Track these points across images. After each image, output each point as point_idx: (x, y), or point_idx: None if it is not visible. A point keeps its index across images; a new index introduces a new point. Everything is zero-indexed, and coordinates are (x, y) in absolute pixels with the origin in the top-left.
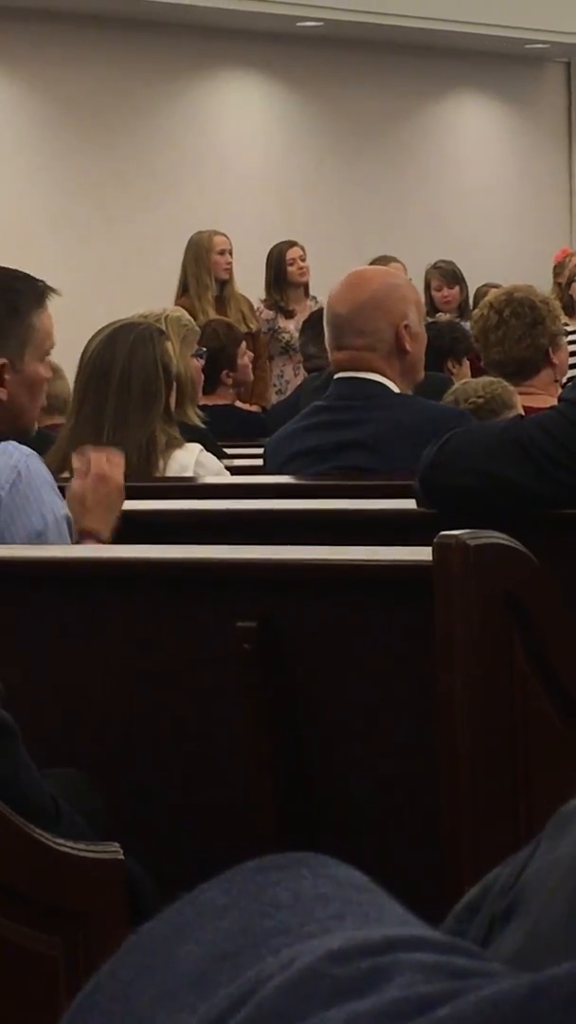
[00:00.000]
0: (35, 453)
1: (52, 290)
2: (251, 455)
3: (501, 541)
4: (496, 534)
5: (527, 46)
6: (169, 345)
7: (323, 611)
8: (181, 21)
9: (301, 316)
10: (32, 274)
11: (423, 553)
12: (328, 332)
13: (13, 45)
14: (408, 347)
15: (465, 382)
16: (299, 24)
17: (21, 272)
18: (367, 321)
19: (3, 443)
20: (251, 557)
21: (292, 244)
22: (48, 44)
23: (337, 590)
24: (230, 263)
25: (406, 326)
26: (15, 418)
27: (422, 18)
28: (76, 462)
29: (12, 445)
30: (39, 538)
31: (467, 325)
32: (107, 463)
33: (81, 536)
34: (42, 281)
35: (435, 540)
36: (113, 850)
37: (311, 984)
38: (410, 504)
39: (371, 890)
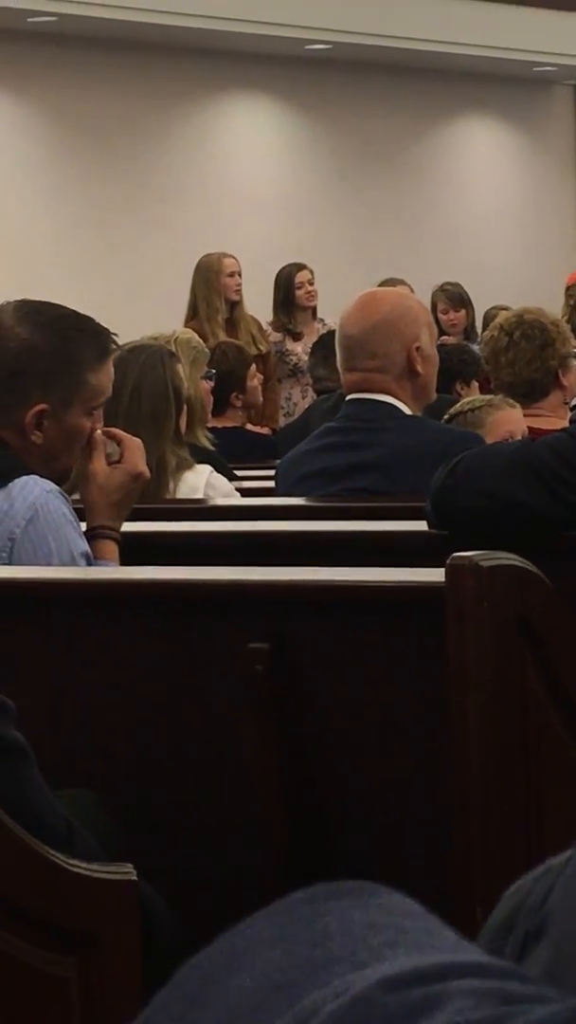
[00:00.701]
0: (57, 488)
1: (115, 343)
2: (261, 476)
3: (514, 562)
4: (509, 555)
5: (535, 69)
6: (180, 367)
7: (335, 632)
8: (189, 44)
9: (309, 339)
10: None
11: (436, 574)
12: (340, 353)
13: (22, 68)
14: (419, 369)
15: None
16: (307, 47)
17: (90, 321)
18: (379, 343)
19: (25, 477)
20: (263, 578)
21: (301, 267)
22: (56, 67)
23: (349, 611)
24: (239, 285)
25: (418, 348)
26: (48, 463)
27: (430, 41)
28: (101, 445)
29: (33, 480)
30: None
31: (475, 348)
32: (139, 456)
33: (95, 533)
34: (109, 334)
35: (448, 561)
36: (126, 871)
37: (364, 1012)
38: (421, 526)
39: (423, 916)
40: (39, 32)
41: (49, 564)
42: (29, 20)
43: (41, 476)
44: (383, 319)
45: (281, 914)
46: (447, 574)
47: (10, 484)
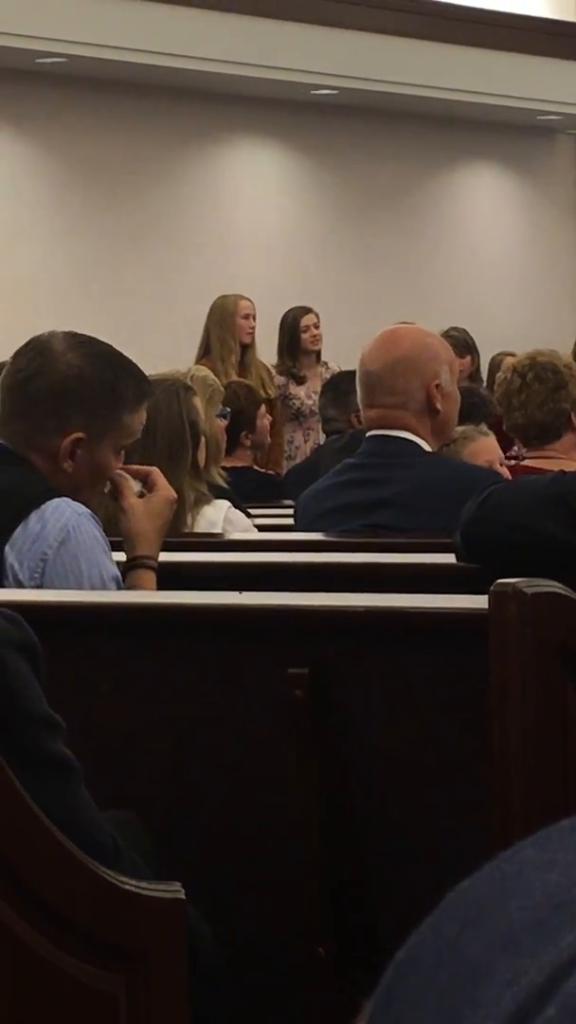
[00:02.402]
0: (88, 512)
1: (152, 391)
2: (274, 515)
3: (557, 590)
4: (552, 583)
5: (539, 117)
6: (196, 400)
7: (376, 658)
8: (196, 87)
9: (312, 383)
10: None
11: (478, 601)
12: (360, 390)
13: (30, 109)
14: (439, 407)
15: None
16: (313, 92)
17: (133, 363)
18: (398, 379)
19: (57, 500)
20: (304, 604)
21: (307, 311)
22: (64, 109)
23: (390, 637)
24: (253, 328)
25: (437, 385)
26: (71, 492)
27: (435, 88)
28: (127, 480)
29: (65, 502)
30: None
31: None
32: (166, 482)
33: (137, 563)
34: (147, 380)
35: (492, 588)
36: (175, 889)
37: None
38: (446, 559)
39: None
40: (48, 72)
41: (80, 586)
42: (38, 61)
43: None
44: (403, 356)
45: (548, 841)
46: (491, 600)
47: (43, 505)
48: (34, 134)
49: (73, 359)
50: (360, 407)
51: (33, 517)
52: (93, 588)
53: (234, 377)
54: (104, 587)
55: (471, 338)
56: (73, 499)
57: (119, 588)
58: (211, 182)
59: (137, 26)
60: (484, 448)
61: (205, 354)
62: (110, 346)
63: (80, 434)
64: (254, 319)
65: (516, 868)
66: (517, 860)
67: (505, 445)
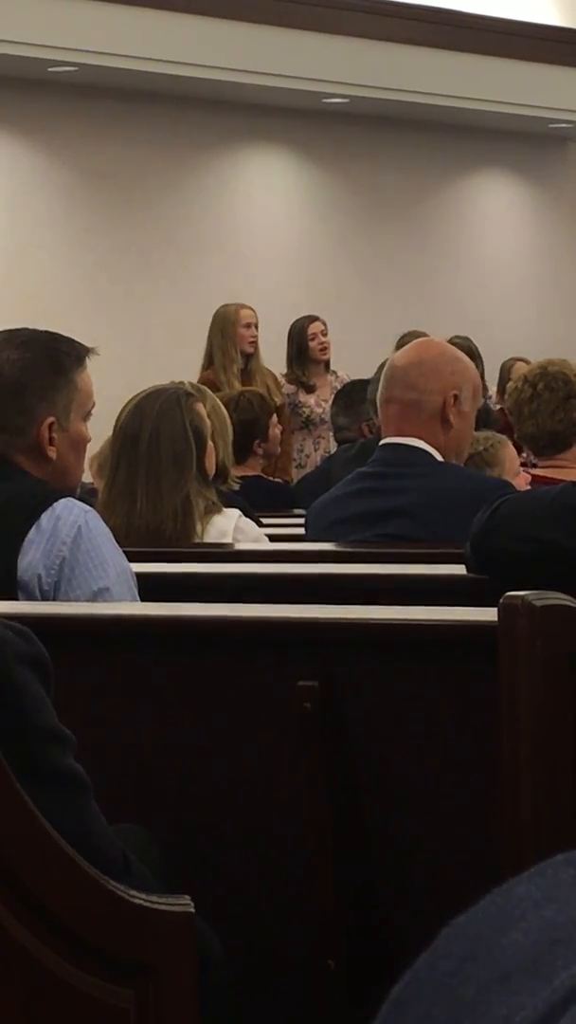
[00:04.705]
0: (92, 509)
1: (92, 350)
2: (285, 524)
3: (567, 603)
4: (562, 596)
5: (551, 125)
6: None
7: (386, 671)
8: (207, 96)
9: (322, 391)
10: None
11: (488, 614)
12: (381, 384)
13: (40, 118)
14: (452, 420)
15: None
16: (324, 100)
17: (60, 334)
18: (419, 377)
19: (62, 500)
20: (314, 616)
21: (314, 319)
22: (74, 117)
23: (400, 650)
24: (255, 336)
25: (455, 397)
26: (62, 477)
27: (446, 96)
28: None
29: (70, 501)
30: (103, 595)
31: (488, 401)
32: None
33: None
34: (79, 342)
35: (501, 601)
36: (185, 903)
37: None
38: (456, 570)
39: None
40: (59, 82)
41: (96, 583)
42: (49, 70)
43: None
44: (431, 359)
45: (543, 877)
46: (500, 613)
47: (53, 505)
48: (44, 143)
49: (12, 354)
50: (377, 404)
51: (44, 517)
52: (110, 583)
53: (237, 386)
54: (119, 578)
55: (475, 346)
56: (65, 483)
57: (135, 579)
58: (221, 191)
59: (148, 35)
60: (515, 455)
61: (209, 364)
62: (28, 328)
63: (50, 418)
64: (256, 328)
65: (512, 904)
66: (513, 896)
67: None
